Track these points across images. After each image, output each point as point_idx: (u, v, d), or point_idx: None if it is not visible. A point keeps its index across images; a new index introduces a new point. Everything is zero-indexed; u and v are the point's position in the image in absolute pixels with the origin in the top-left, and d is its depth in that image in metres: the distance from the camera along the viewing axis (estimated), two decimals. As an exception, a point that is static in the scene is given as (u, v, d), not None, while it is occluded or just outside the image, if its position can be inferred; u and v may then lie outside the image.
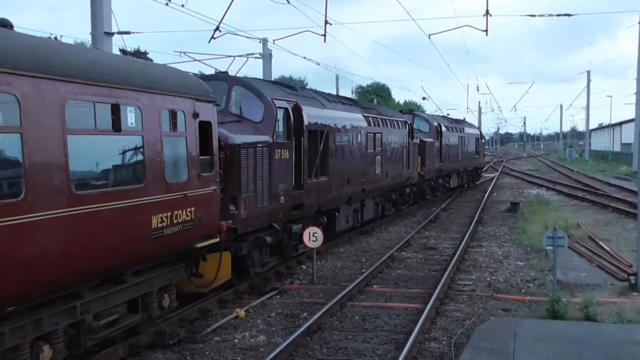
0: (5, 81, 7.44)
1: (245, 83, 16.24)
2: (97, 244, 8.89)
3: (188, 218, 11.20)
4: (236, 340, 11.58)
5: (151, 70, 11.01)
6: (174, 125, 10.97)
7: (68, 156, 8.31)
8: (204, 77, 15.29)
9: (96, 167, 9.31)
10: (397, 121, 28.17)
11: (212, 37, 22.39)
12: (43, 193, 7.89)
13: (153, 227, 10.17)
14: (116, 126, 9.42)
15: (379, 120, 25.19)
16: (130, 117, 9.77)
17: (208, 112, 12.20)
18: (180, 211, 10.95)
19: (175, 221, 10.78)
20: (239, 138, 14.02)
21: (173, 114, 10.95)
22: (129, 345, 10.55)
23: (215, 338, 11.68)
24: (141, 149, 10.02)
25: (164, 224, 10.45)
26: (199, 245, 11.78)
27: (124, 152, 9.80)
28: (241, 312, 13.03)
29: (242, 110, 15.72)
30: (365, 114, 23.61)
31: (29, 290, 7.98)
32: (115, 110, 9.39)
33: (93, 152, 9.17)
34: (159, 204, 10.35)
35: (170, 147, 10.82)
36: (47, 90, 8.08)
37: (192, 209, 11.34)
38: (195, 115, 11.62)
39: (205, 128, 12.06)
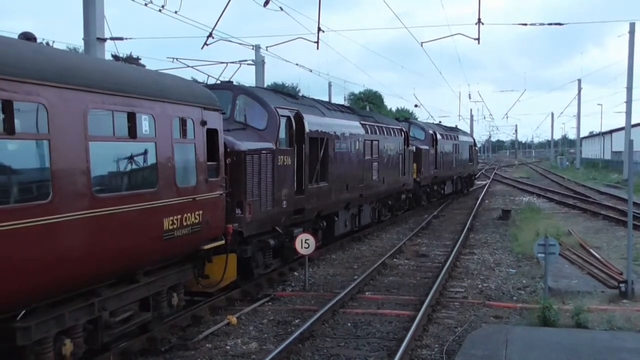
0: (35, 91, 7.96)
1: (249, 92, 16.78)
2: (115, 244, 9.41)
3: (196, 221, 11.69)
4: (228, 347, 11.57)
5: (163, 80, 11.55)
6: (183, 132, 11.49)
7: (90, 161, 8.84)
8: (210, 87, 15.78)
9: (114, 172, 9.83)
10: (393, 129, 28.70)
11: (205, 44, 22.52)
12: (68, 195, 8.41)
13: (165, 229, 10.69)
14: (132, 133, 9.96)
15: (376, 127, 25.73)
16: (144, 124, 10.29)
17: (215, 120, 12.70)
18: (189, 214, 11.44)
19: (184, 223, 11.28)
20: (244, 145, 14.51)
21: (183, 122, 11.47)
22: (120, 352, 10.61)
23: (207, 345, 11.67)
24: (154, 155, 10.52)
25: (175, 226, 10.96)
26: (206, 247, 12.32)
27: (138, 158, 10.30)
28: (233, 319, 13.00)
29: (246, 118, 16.24)
30: (362, 122, 24.16)
31: (55, 287, 8.51)
32: (132, 118, 9.93)
33: (111, 157, 9.70)
34: (171, 207, 10.86)
35: (180, 153, 11.33)
36: (72, 100, 8.61)
37: (200, 212, 11.84)
38: (203, 123, 12.13)
39: (212, 135, 12.57)
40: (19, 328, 8.04)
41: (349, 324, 13.07)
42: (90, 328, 9.48)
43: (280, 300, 15.02)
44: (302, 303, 14.80)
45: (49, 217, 8.04)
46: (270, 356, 10.39)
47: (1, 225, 7.35)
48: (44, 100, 8.06)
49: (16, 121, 7.61)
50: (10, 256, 7.57)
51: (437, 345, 11.69)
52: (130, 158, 10.09)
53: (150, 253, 10.53)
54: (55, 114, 8.23)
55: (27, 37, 9.15)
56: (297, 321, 13.19)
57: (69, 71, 8.76)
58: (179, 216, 11.10)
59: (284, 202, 16.31)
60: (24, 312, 8.23)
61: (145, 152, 10.36)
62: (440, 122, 53.27)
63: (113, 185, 9.63)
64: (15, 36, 9.18)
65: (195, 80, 18.17)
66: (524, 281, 17.05)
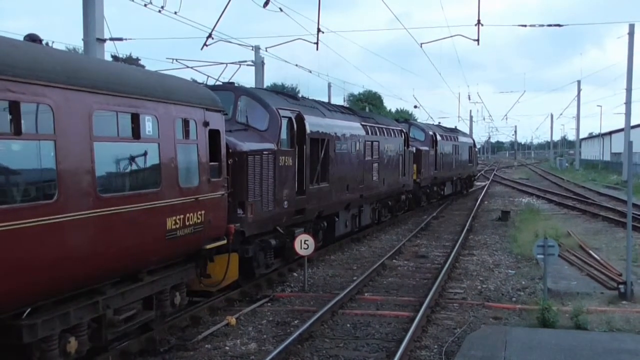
0: (41, 92, 8.06)
1: (251, 93, 16.90)
2: (118, 243, 9.53)
3: (199, 220, 11.80)
4: (227, 348, 11.61)
5: (166, 82, 11.68)
6: (186, 133, 11.61)
7: (94, 161, 8.95)
8: (212, 88, 15.87)
9: (118, 172, 9.94)
10: (393, 130, 28.81)
11: (205, 44, 22.56)
12: (73, 195, 8.53)
13: (168, 228, 10.80)
14: (136, 134, 10.07)
15: (376, 129, 25.85)
16: (148, 125, 10.40)
17: (217, 121, 12.81)
18: (192, 214, 11.55)
19: (187, 223, 11.38)
20: (246, 146, 14.63)
21: (186, 123, 11.58)
22: (119, 352, 10.63)
23: (206, 345, 11.69)
24: (157, 156, 10.63)
25: (178, 226, 11.07)
26: (209, 246, 12.42)
27: (142, 158, 10.42)
28: (232, 320, 13.02)
29: (248, 119, 16.36)
30: (363, 123, 24.27)
31: (60, 285, 8.62)
32: (135, 119, 10.04)
33: (115, 157, 9.81)
34: (174, 207, 10.97)
35: (183, 153, 11.45)
36: (77, 101, 8.72)
37: (203, 212, 11.94)
38: (206, 124, 12.23)
39: (214, 136, 12.68)
40: (25, 325, 8.15)
41: (348, 325, 13.10)
42: (94, 326, 9.59)
43: (280, 301, 15.06)
44: (301, 304, 14.83)
45: (55, 217, 8.15)
46: (270, 357, 10.43)
47: (8, 225, 7.45)
48: (50, 101, 8.17)
49: (23, 122, 7.70)
50: (17, 255, 7.67)
51: (436, 346, 11.72)
52: (134, 158, 10.20)
53: (153, 252, 10.63)
54: (61, 115, 8.33)
55: (33, 38, 9.27)
56: (296, 322, 13.23)
57: (75, 72, 8.86)
58: (182, 216, 11.20)
59: (285, 203, 16.41)
60: (29, 310, 8.33)
61: (148, 153, 10.46)
62: (439, 123, 53.43)
63: (117, 185, 9.73)
64: (15, 36, 9.30)
65: (194, 81, 18.24)
66: (523, 282, 17.10)
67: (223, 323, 12.94)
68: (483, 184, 61.19)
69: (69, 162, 8.44)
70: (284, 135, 16.57)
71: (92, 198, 8.86)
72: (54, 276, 8.30)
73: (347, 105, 41.48)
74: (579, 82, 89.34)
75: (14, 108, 7.60)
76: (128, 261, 9.95)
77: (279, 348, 10.90)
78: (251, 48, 33.27)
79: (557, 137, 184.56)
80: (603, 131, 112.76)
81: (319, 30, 24.01)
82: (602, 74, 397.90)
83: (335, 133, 20.43)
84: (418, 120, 52.05)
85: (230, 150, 13.79)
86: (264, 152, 15.31)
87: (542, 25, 31.80)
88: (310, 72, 53.02)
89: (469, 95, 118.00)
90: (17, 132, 7.64)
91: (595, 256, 19.89)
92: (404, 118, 49.22)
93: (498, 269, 19.16)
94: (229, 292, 14.66)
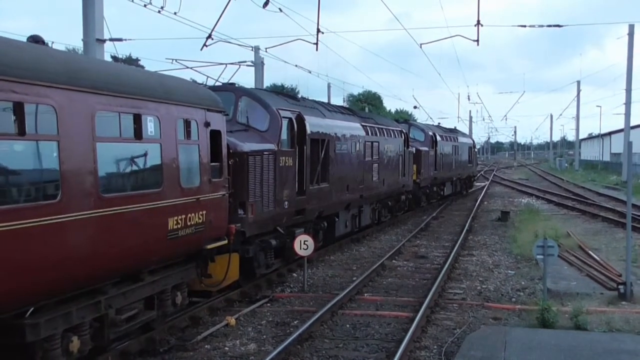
0: (44, 93, 8.11)
1: (251, 94, 16.97)
2: (120, 243, 9.59)
3: (200, 221, 11.85)
4: (227, 348, 11.62)
5: (167, 82, 11.73)
6: (188, 133, 11.66)
7: (97, 162, 9.01)
8: (212, 88, 15.92)
9: (120, 172, 10.00)
10: (393, 130, 28.87)
11: (205, 45, 22.58)
12: (76, 195, 8.58)
13: (169, 228, 10.86)
14: (138, 134, 10.12)
15: (376, 129, 25.91)
16: (150, 126, 10.45)
17: (218, 122, 12.86)
18: (193, 214, 11.60)
19: (188, 223, 11.44)
20: (247, 146, 14.68)
21: (187, 123, 11.63)
22: (119, 353, 10.65)
23: (206, 346, 11.70)
24: (159, 156, 10.69)
25: (179, 226, 11.12)
26: (210, 246, 12.47)
27: (144, 159, 10.47)
28: (232, 320, 13.04)
29: (248, 119, 16.42)
30: (363, 123, 24.33)
31: (63, 285, 8.68)
32: (137, 119, 10.10)
33: (118, 158, 9.87)
34: (175, 207, 11.02)
35: (184, 154, 11.50)
36: (80, 102, 8.77)
37: (204, 212, 11.99)
38: (207, 124, 12.29)
39: (215, 136, 12.73)
40: (28, 325, 8.20)
41: (348, 326, 13.12)
42: (96, 325, 9.64)
43: (279, 302, 15.08)
44: (301, 304, 14.85)
45: (58, 217, 8.20)
46: (269, 357, 10.45)
47: (11, 225, 7.50)
48: (53, 102, 8.22)
49: (26, 122, 7.75)
50: (21, 255, 7.72)
51: (435, 347, 11.74)
52: (136, 159, 10.26)
53: (154, 252, 10.69)
54: (64, 115, 8.39)
55: (36, 40, 9.33)
56: (295, 322, 13.25)
57: (77, 73, 8.92)
58: (183, 216, 11.26)
59: (286, 203, 16.46)
60: (32, 309, 8.38)
61: (150, 153, 10.50)
62: (439, 123, 53.50)
63: (119, 186, 9.79)
64: (15, 37, 9.33)
65: (194, 82, 18.30)
66: (523, 283, 17.13)
67: (223, 323, 12.95)
68: (483, 184, 61.14)
69: (72, 162, 8.49)
70: (284, 135, 16.63)
71: (94, 198, 8.91)
72: (56, 276, 8.36)
73: (347, 106, 41.53)
74: (578, 82, 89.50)
75: (18, 109, 7.65)
76: (130, 261, 10.01)
77: (279, 348, 10.91)
78: (251, 48, 33.30)
79: (556, 138, 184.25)
80: (603, 131, 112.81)
81: (318, 30, 24.04)
82: (601, 75, 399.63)
83: (336, 133, 20.49)
84: (417, 121, 52.10)
85: (231, 151, 13.83)
86: (265, 153, 15.36)
87: (542, 26, 32.02)
88: (310, 72, 53.01)
89: (468, 96, 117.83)
90: (20, 132, 7.70)
91: (595, 256, 19.91)
92: (403, 118, 49.23)
93: (498, 269, 19.18)
94: (229, 293, 14.71)
